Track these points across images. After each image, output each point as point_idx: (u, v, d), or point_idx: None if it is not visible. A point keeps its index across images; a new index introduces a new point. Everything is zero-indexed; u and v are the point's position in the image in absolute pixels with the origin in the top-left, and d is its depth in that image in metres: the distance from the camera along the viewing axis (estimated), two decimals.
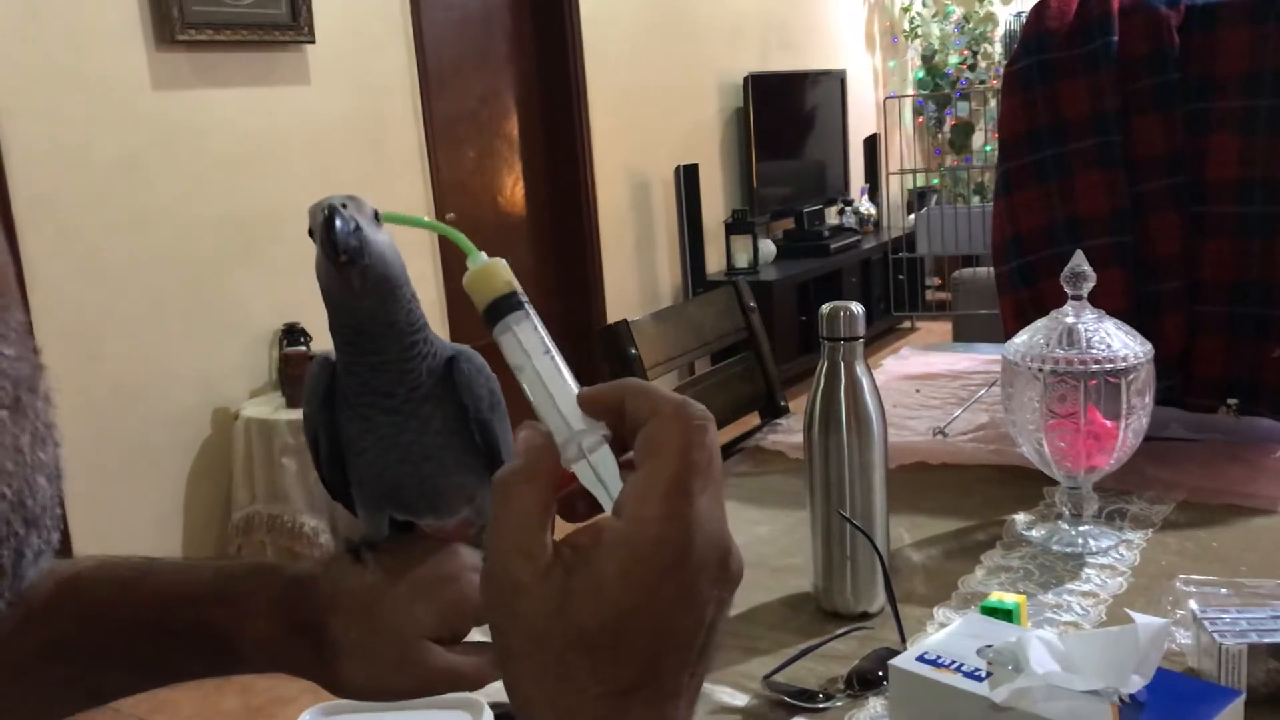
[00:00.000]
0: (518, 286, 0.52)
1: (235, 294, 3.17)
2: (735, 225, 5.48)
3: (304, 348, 3.19)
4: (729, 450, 1.67)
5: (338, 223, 0.72)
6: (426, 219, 0.56)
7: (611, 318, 4.24)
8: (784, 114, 5.99)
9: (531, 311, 0.51)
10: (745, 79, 5.56)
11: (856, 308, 1.08)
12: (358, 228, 0.73)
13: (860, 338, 1.08)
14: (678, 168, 5.06)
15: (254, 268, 3.22)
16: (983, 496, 1.37)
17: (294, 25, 3.27)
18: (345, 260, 0.71)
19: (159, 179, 2.97)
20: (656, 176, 5.07)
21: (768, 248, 5.70)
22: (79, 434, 2.79)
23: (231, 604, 0.61)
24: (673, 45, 5.16)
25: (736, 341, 1.92)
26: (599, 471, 0.46)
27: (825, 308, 1.09)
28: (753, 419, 1.88)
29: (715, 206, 5.50)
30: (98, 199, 2.84)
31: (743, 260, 5.45)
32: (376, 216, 0.78)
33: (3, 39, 2.61)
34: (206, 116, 3.09)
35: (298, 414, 2.93)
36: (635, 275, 5.00)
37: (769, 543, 1.32)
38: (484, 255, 0.53)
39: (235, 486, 3.03)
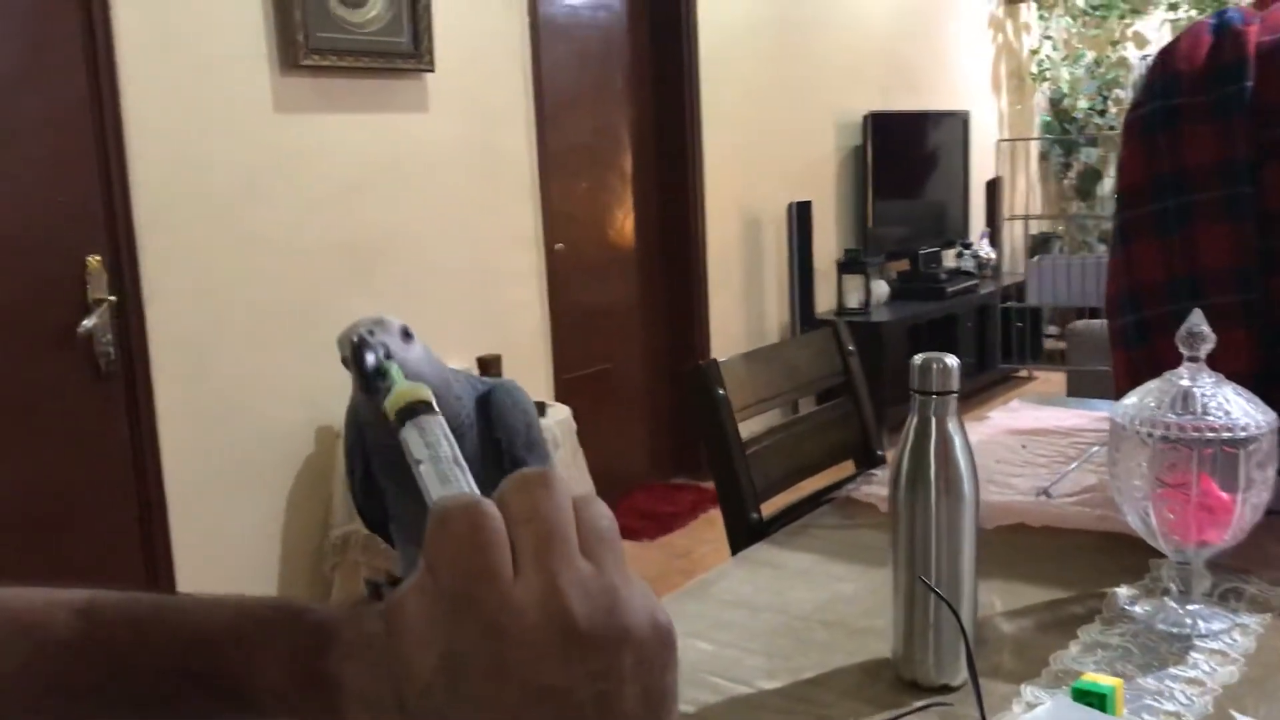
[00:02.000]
0: (425, 397, 0.53)
1: (343, 315, 3.19)
2: (848, 264, 5.40)
3: None
4: (819, 500, 1.62)
5: (368, 356, 0.74)
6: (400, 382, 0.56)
7: (716, 355, 4.19)
8: (903, 154, 5.89)
9: (433, 418, 0.51)
10: (865, 117, 5.49)
11: (950, 360, 1.03)
12: (387, 354, 0.75)
13: (954, 392, 1.03)
14: (790, 204, 5.01)
15: (363, 290, 3.27)
16: (1085, 565, 1.29)
17: (415, 54, 3.32)
18: (378, 387, 0.72)
19: (276, 200, 3.04)
20: (768, 213, 5.02)
21: (881, 288, 5.60)
22: (185, 447, 2.86)
23: (248, 648, 0.58)
24: (791, 82, 5.12)
25: (835, 385, 1.87)
26: None
27: (917, 359, 1.04)
28: (848, 467, 1.82)
29: (828, 245, 5.43)
30: (216, 218, 2.91)
31: (854, 300, 5.36)
32: (407, 333, 0.79)
33: (135, 61, 2.70)
34: (325, 140, 3.15)
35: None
36: (742, 312, 4.95)
37: (851, 602, 1.26)
38: (407, 384, 0.55)
39: (334, 504, 3.07)
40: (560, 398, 3.84)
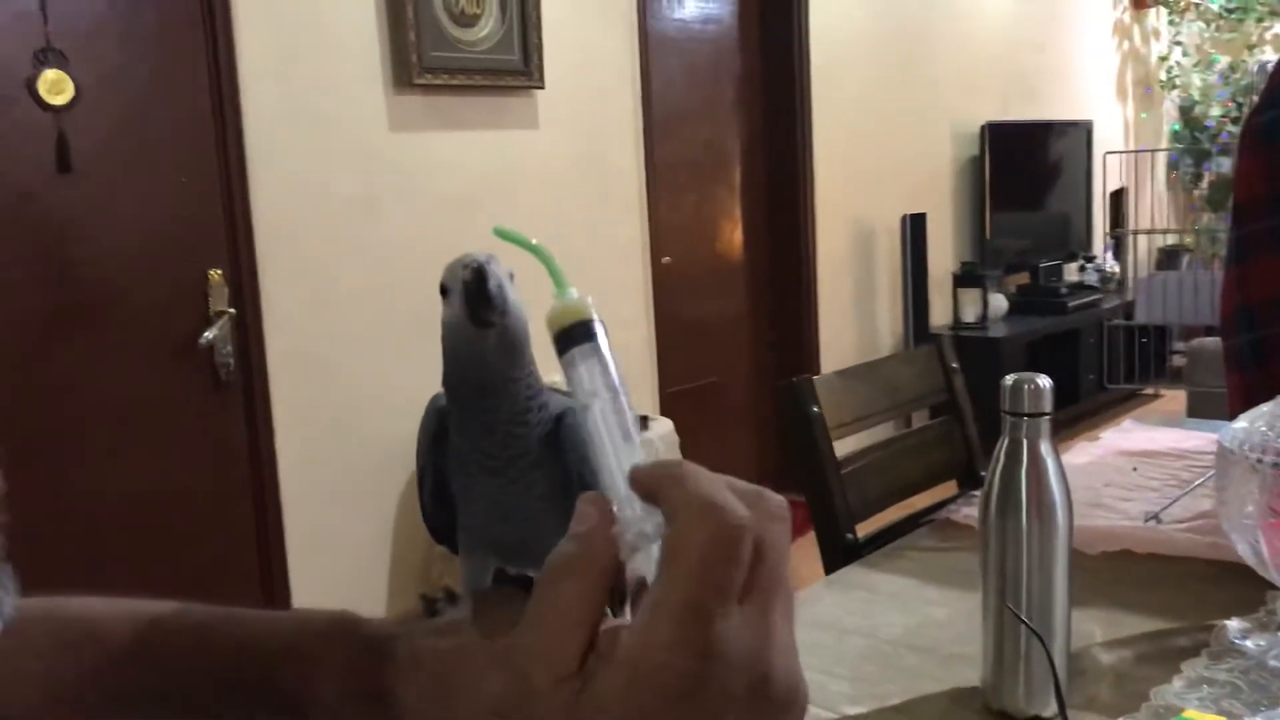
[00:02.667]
0: (596, 316, 0.46)
1: None
2: (964, 278, 5.29)
3: None
4: (916, 521, 1.58)
5: (490, 281, 0.70)
6: (535, 242, 0.50)
7: (826, 369, 4.15)
8: (1023, 164, 5.75)
9: (605, 346, 0.44)
10: (982, 128, 5.38)
11: (1043, 381, 0.99)
12: (501, 286, 0.71)
13: (1047, 414, 0.99)
14: (904, 216, 4.93)
15: None
16: (1193, 595, 1.23)
17: (525, 71, 3.37)
18: (494, 318, 0.68)
19: (391, 216, 3.12)
20: (881, 225, 4.95)
21: (998, 302, 5.47)
22: (300, 456, 2.94)
23: (303, 662, 0.59)
24: (905, 92, 5.04)
25: (940, 402, 1.83)
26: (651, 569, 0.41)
27: (1008, 379, 1.00)
28: (950, 488, 1.78)
29: (943, 258, 5.32)
30: (333, 233, 2.99)
31: (971, 314, 5.25)
32: (511, 276, 0.76)
33: (255, 82, 2.80)
34: (438, 157, 3.22)
35: None
36: (853, 327, 4.89)
37: (944, 627, 1.22)
38: (575, 291, 0.48)
39: None
40: (665, 411, 3.84)
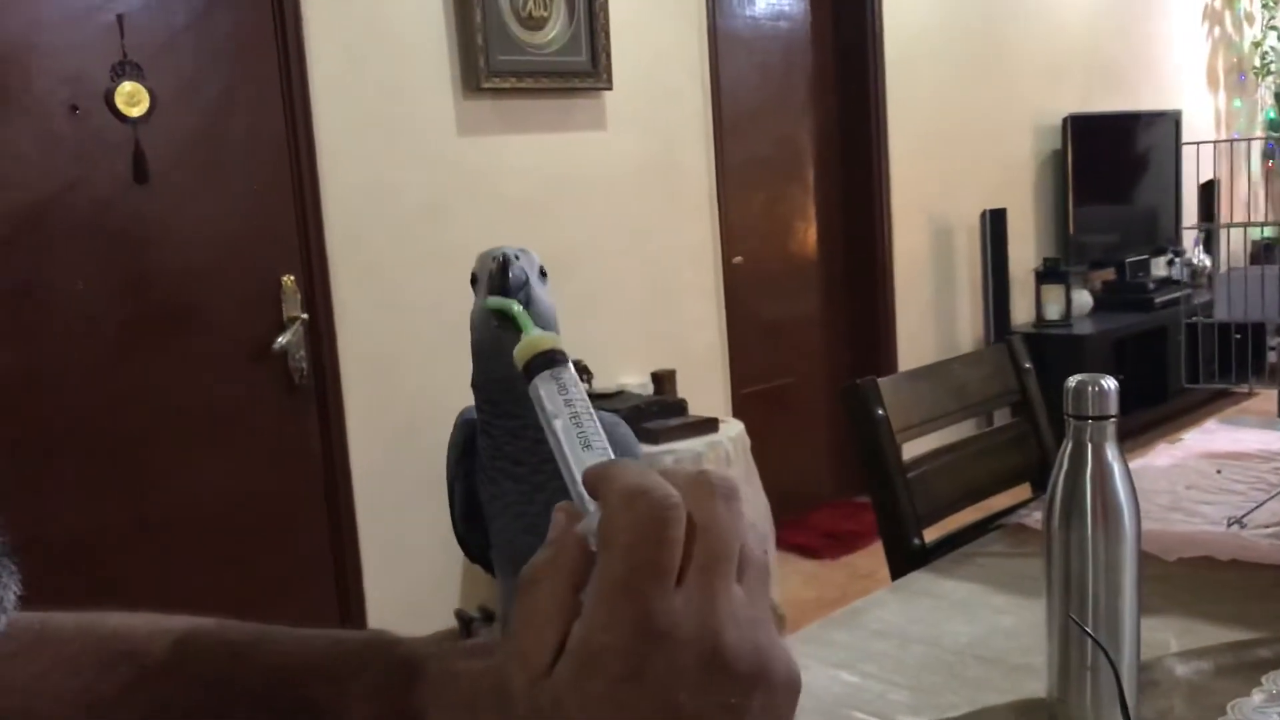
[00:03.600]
0: (559, 346, 0.49)
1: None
2: (1047, 274, 5.16)
3: (585, 385, 3.26)
4: (986, 526, 1.53)
5: (511, 272, 0.69)
6: (516, 307, 0.54)
7: (904, 368, 4.07)
8: (1108, 157, 5.59)
9: (568, 370, 0.47)
10: (1064, 120, 5.25)
11: (1108, 382, 0.95)
12: (526, 280, 0.70)
13: (1112, 416, 0.95)
14: (984, 212, 4.83)
15: None
16: (1277, 605, 1.17)
17: (593, 73, 3.37)
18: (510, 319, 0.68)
19: (459, 220, 3.13)
20: (960, 221, 4.86)
21: (1083, 299, 5.33)
22: (373, 459, 2.97)
23: (336, 682, 0.58)
24: (984, 85, 4.94)
25: (1013, 404, 1.77)
26: None
27: (1071, 381, 0.96)
28: (1023, 492, 1.72)
29: (1025, 254, 5.20)
30: (403, 238, 3.02)
31: (1054, 311, 5.12)
32: (543, 273, 0.75)
33: (326, 90, 2.84)
34: (506, 160, 3.23)
35: None
36: (932, 325, 4.80)
37: (1011, 637, 1.18)
38: (539, 331, 0.51)
39: None
40: (738, 412, 3.81)
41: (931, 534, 1.56)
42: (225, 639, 0.61)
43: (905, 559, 1.47)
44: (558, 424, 0.45)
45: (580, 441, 0.44)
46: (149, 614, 0.63)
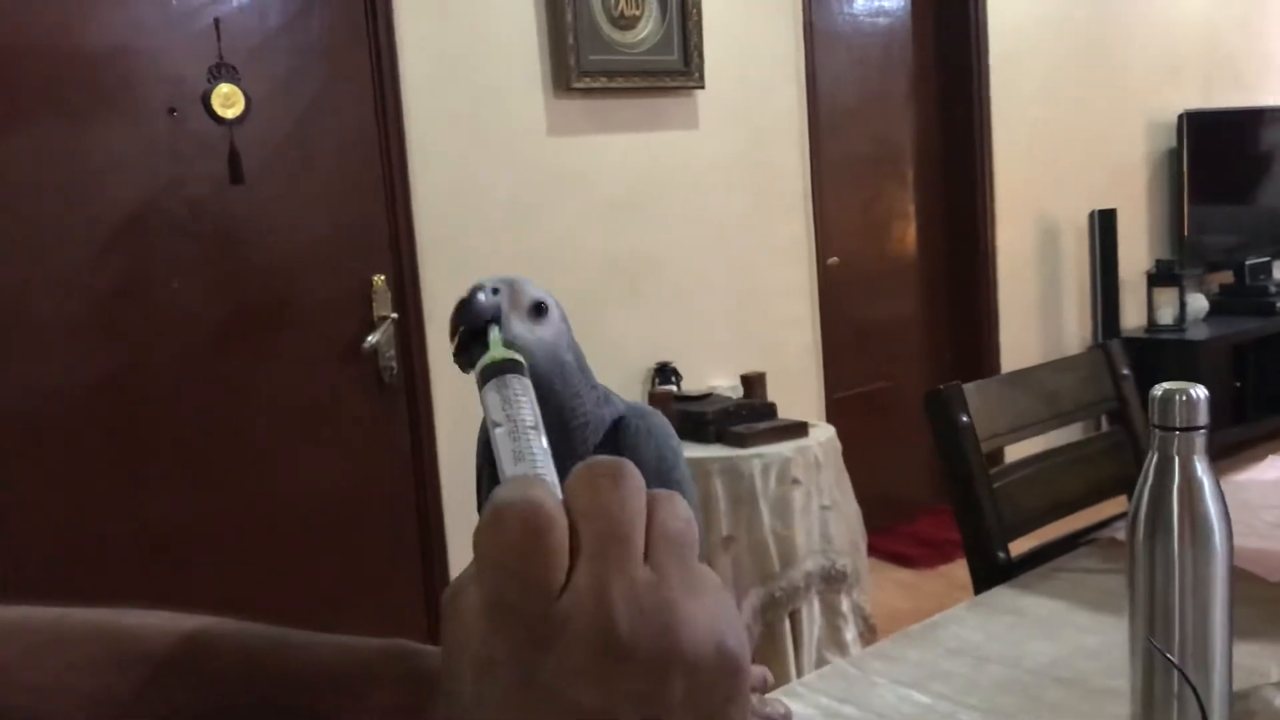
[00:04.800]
0: (515, 359, 0.49)
1: (613, 331, 3.27)
2: (1159, 277, 4.96)
3: (673, 387, 3.23)
4: (1076, 540, 1.46)
5: (473, 306, 0.66)
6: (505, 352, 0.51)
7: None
8: (1227, 155, 5.35)
9: (518, 381, 0.46)
10: (1180, 117, 5.03)
11: (1198, 391, 0.88)
12: (494, 315, 0.67)
13: (1202, 428, 0.88)
14: (1092, 213, 4.66)
15: (633, 306, 3.31)
16: None
17: (685, 71, 3.34)
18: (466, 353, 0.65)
19: (548, 219, 3.13)
20: (1067, 222, 4.70)
21: (1198, 302, 5.11)
22: (461, 456, 2.97)
23: (349, 694, 0.57)
24: (1094, 81, 4.77)
25: (1110, 412, 1.69)
26: None
27: (1157, 390, 0.90)
28: (1118, 504, 1.64)
29: (1136, 256, 5.01)
30: (491, 237, 3.03)
31: (1167, 315, 4.92)
32: (539, 309, 0.72)
33: (417, 91, 2.86)
34: (596, 160, 3.22)
35: None
36: (1037, 328, 4.65)
37: (1095, 658, 1.12)
38: (501, 350, 0.51)
39: None
40: (831, 417, 3.74)
41: (1019, 547, 1.49)
42: (242, 643, 0.60)
43: (989, 573, 1.40)
44: (497, 432, 0.43)
45: (513, 455, 0.42)
46: (167, 613, 0.62)
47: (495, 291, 0.68)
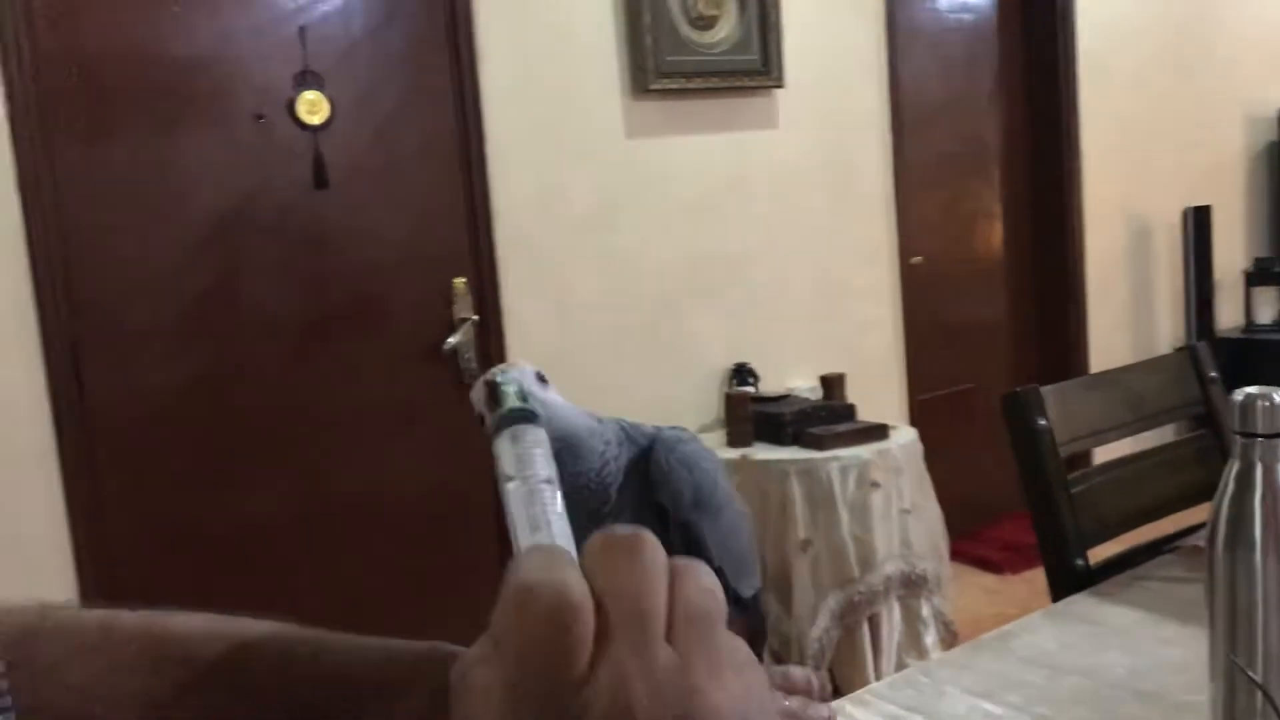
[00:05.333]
0: (531, 407, 0.49)
1: (691, 332, 3.27)
2: (1259, 275, 4.80)
3: (751, 388, 3.21)
4: (1159, 548, 1.42)
5: (500, 391, 0.66)
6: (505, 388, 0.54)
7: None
8: None
9: (533, 432, 0.45)
10: None
11: None
12: (520, 389, 0.69)
13: None
14: (1186, 210, 4.53)
15: (711, 307, 3.30)
16: None
17: (765, 71, 3.32)
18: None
19: (627, 221, 3.14)
20: (1160, 220, 4.57)
21: None
22: None
23: (387, 698, 0.57)
24: (1188, 74, 4.63)
25: (1197, 416, 1.64)
26: None
27: (1238, 394, 0.87)
28: (1204, 511, 1.59)
29: (1232, 254, 4.85)
30: (571, 239, 3.05)
31: (1266, 315, 4.77)
32: (542, 378, 0.74)
33: (497, 96, 2.89)
34: (674, 161, 3.22)
35: (735, 453, 2.94)
36: (1128, 328, 4.53)
37: (1177, 671, 1.08)
38: (515, 401, 0.51)
39: None
40: (914, 419, 3.69)
41: (1100, 554, 1.46)
42: (281, 647, 0.61)
43: (1067, 580, 1.37)
44: (510, 487, 0.42)
45: (529, 521, 0.40)
46: (212, 616, 0.63)
47: (505, 372, 0.71)
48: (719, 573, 0.72)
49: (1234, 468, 0.88)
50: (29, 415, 2.37)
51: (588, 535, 0.69)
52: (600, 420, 0.80)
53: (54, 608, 0.61)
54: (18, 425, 2.36)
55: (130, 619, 0.61)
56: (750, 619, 0.87)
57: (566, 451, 0.72)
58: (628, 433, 0.80)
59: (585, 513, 0.74)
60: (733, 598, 0.79)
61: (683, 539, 0.75)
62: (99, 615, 0.61)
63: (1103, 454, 1.73)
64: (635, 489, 0.75)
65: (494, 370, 0.70)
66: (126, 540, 2.51)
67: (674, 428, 0.85)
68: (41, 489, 2.39)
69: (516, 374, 0.70)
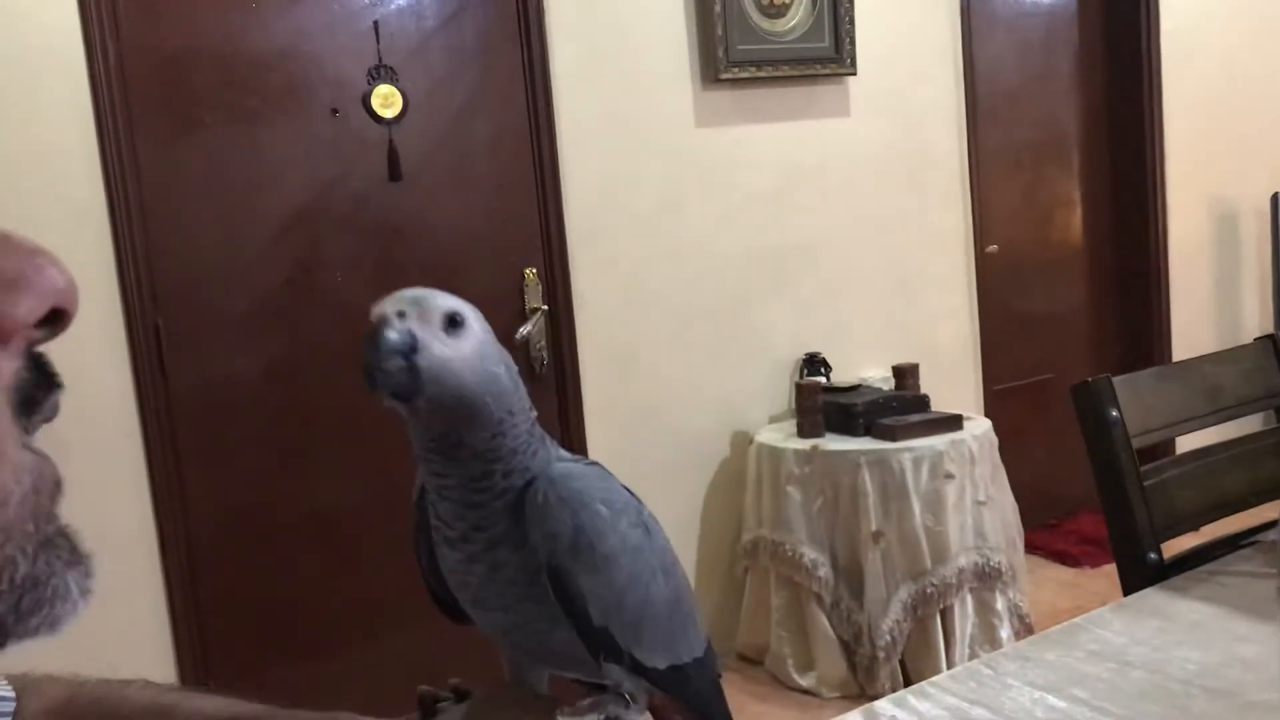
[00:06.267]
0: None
1: (761, 322, 3.26)
2: None
3: (822, 378, 3.19)
4: (1236, 542, 1.39)
5: (382, 344, 0.60)
6: None
7: None
8: None
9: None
10: None
11: None
12: (409, 344, 0.61)
13: None
14: (1275, 194, 4.39)
15: (781, 297, 3.28)
16: None
17: (836, 58, 3.29)
18: (387, 394, 0.60)
19: (697, 211, 3.14)
20: (1247, 205, 4.44)
21: None
22: (610, 445, 3.02)
23: None
24: (1275, 56, 4.48)
25: (1278, 408, 1.60)
26: None
27: None
28: None
29: None
30: (640, 230, 3.05)
31: None
32: (454, 321, 0.64)
33: (568, 87, 2.90)
34: (745, 151, 3.21)
35: (806, 443, 2.93)
36: (1212, 318, 4.41)
37: (1250, 668, 1.06)
38: None
39: (746, 509, 3.11)
40: (990, 409, 3.64)
41: (1173, 548, 1.43)
42: None
43: (1138, 574, 1.35)
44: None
45: None
46: (222, 699, 0.66)
47: (402, 315, 0.62)
48: (602, 634, 0.67)
49: None
50: (115, 401, 2.45)
51: (464, 540, 0.64)
52: (524, 399, 0.69)
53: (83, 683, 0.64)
54: (105, 410, 2.44)
55: (137, 699, 0.64)
56: (685, 690, 0.75)
57: (457, 419, 0.62)
58: (542, 440, 0.70)
59: (463, 518, 0.64)
60: (630, 665, 0.69)
61: (556, 590, 0.65)
62: (100, 689, 0.64)
63: (1185, 445, 1.69)
64: (510, 521, 0.65)
65: (387, 305, 0.60)
66: (208, 523, 2.58)
67: (590, 462, 0.74)
68: (128, 472, 2.47)
69: (417, 323, 0.60)
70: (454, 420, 0.63)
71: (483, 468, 0.64)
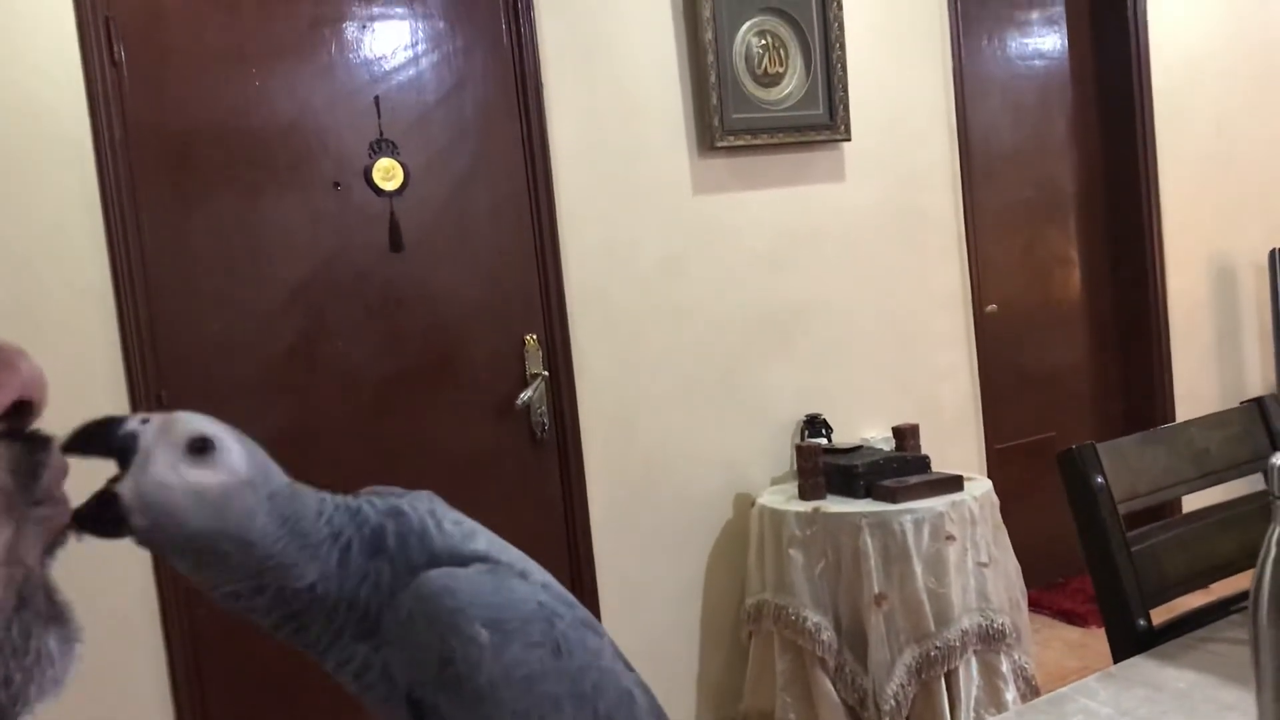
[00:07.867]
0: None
1: (762, 383, 3.28)
2: None
3: (823, 440, 3.21)
4: (1227, 608, 1.39)
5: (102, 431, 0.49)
6: None
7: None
8: None
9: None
10: None
11: None
12: (111, 499, 0.51)
13: None
14: (1274, 250, 4.42)
15: (781, 359, 3.31)
16: None
17: (830, 125, 3.34)
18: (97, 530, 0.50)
19: (696, 275, 3.18)
20: (1245, 260, 4.47)
21: None
22: (612, 509, 3.04)
23: None
24: (1269, 113, 4.53)
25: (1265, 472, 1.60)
26: None
27: (1276, 459, 0.87)
28: None
29: None
30: (641, 293, 3.09)
31: None
32: (205, 446, 0.52)
33: (567, 155, 2.96)
34: (742, 216, 3.25)
35: (807, 506, 2.93)
36: (1214, 376, 4.42)
37: None
38: None
39: (749, 572, 3.11)
40: (993, 469, 3.64)
41: (1161, 615, 1.43)
42: None
43: (1128, 642, 1.35)
44: None
45: None
46: None
47: (145, 421, 0.53)
48: None
49: (1274, 534, 0.88)
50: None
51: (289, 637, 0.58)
52: (323, 504, 0.58)
53: None
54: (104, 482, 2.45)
55: None
56: None
57: (200, 561, 0.52)
58: (349, 515, 0.59)
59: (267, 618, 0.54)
60: None
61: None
62: None
63: (1183, 507, 1.70)
64: (373, 640, 0.55)
65: (125, 428, 0.49)
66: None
67: (492, 561, 0.61)
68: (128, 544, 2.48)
69: (157, 443, 0.49)
70: (191, 555, 0.53)
71: (252, 582, 0.55)
